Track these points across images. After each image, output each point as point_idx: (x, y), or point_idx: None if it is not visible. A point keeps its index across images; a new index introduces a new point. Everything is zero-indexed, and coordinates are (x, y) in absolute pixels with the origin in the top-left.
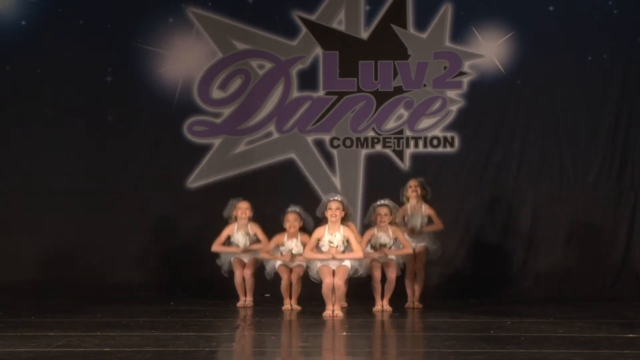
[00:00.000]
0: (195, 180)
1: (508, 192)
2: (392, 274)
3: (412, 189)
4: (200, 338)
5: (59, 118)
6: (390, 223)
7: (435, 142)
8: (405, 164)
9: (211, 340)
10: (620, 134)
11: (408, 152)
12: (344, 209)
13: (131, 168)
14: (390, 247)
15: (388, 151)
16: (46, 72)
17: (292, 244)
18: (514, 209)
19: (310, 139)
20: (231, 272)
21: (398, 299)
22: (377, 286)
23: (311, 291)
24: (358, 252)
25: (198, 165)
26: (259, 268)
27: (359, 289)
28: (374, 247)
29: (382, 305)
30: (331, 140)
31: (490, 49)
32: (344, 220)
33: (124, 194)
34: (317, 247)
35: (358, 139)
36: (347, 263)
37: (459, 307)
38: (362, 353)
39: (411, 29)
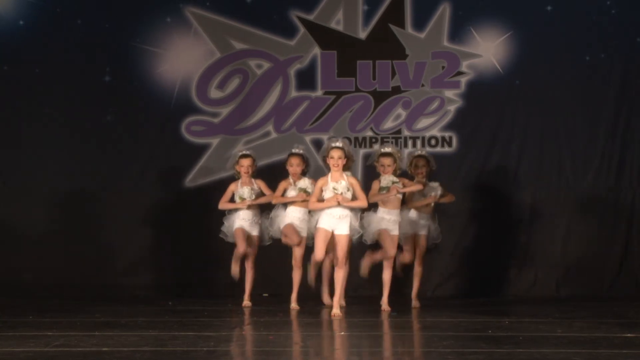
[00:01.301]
0: (193, 180)
1: (506, 192)
2: (387, 274)
3: (421, 174)
4: (198, 338)
5: (58, 118)
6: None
7: (433, 142)
8: (403, 164)
9: (209, 340)
10: (618, 134)
11: (406, 152)
12: (346, 156)
13: (130, 168)
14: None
15: None
16: (44, 72)
17: (300, 182)
18: (512, 209)
19: (308, 138)
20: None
21: (397, 298)
22: (387, 279)
23: (309, 290)
24: (363, 201)
25: (196, 165)
26: (261, 256)
27: (358, 289)
28: (386, 188)
29: (381, 304)
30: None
31: (488, 49)
32: (347, 167)
33: (124, 194)
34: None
35: (356, 138)
36: (347, 231)
37: (458, 306)
38: (360, 353)
39: (409, 29)
